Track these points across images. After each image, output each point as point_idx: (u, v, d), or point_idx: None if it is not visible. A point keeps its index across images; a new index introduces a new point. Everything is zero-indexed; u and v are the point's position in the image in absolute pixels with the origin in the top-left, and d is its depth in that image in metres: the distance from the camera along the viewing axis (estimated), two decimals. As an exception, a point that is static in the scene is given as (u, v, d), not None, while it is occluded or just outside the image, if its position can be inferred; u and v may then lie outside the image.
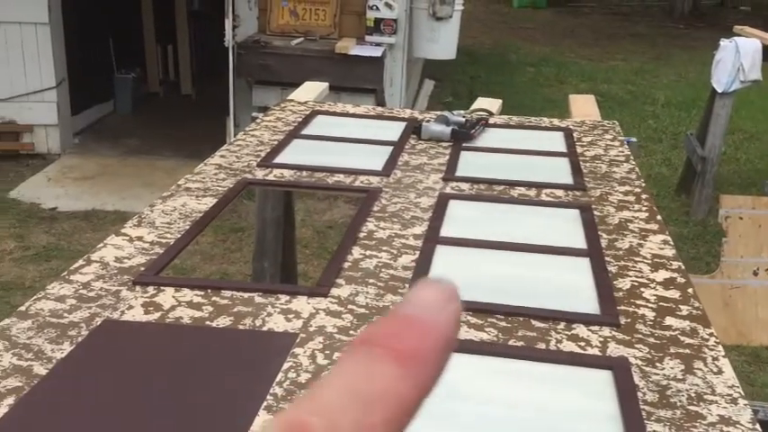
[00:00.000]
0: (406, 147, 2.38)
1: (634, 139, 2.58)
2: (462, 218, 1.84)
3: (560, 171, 2.17)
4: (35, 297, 1.40)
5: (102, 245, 1.63)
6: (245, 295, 1.43)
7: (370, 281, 1.50)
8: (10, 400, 1.09)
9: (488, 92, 8.11)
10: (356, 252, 1.62)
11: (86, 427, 1.06)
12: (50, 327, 1.30)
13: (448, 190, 2.01)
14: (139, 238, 1.67)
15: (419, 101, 7.25)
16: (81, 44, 5.70)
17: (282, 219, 2.91)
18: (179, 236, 1.69)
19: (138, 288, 1.44)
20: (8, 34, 5.15)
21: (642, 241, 1.69)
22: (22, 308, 1.36)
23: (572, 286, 1.51)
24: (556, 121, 2.70)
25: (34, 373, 1.16)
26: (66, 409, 1.09)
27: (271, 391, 1.13)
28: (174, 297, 1.42)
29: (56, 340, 1.26)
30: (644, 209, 1.89)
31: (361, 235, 1.71)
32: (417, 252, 1.63)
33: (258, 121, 2.65)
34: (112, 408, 1.09)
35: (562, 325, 1.34)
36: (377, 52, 4.98)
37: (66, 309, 1.36)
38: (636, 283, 1.49)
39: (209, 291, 1.44)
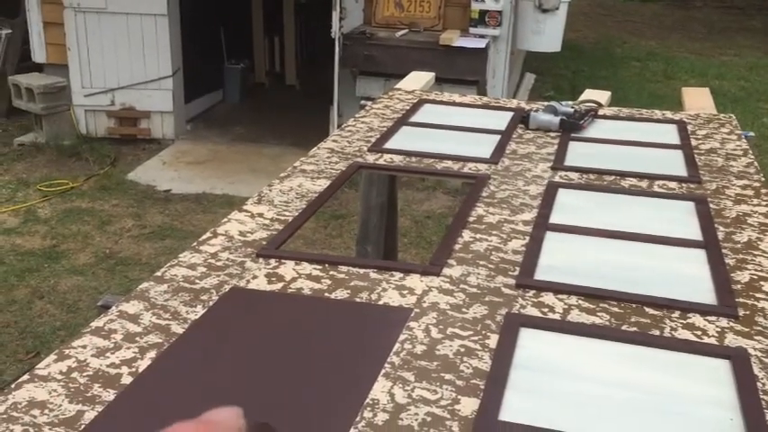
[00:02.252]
0: (514, 136, 2.39)
1: (752, 134, 2.49)
2: (572, 206, 1.84)
3: (674, 163, 2.13)
4: (169, 264, 1.52)
5: (226, 220, 1.74)
6: (361, 271, 1.49)
7: (481, 263, 1.53)
8: (152, 354, 1.19)
9: (592, 86, 7.91)
10: (466, 235, 1.66)
11: (220, 381, 1.14)
12: (184, 291, 1.40)
13: (557, 179, 2.01)
14: (260, 215, 1.76)
15: (519, 94, 7.18)
16: (195, 35, 5.97)
17: (386, 205, 2.98)
18: (296, 214, 1.77)
19: (261, 260, 1.53)
20: (130, 25, 5.46)
21: (762, 236, 1.65)
22: (158, 273, 1.48)
23: (687, 276, 1.49)
24: (669, 114, 2.64)
25: (172, 331, 1.26)
26: (202, 366, 1.19)
27: (388, 359, 1.19)
28: (294, 270, 1.50)
29: (190, 303, 1.36)
30: (763, 203, 1.83)
31: (471, 219, 1.75)
32: (527, 237, 1.64)
33: (367, 108, 2.72)
34: (241, 367, 1.18)
35: (677, 313, 1.33)
36: (481, 44, 4.98)
37: (198, 276, 1.46)
38: (755, 277, 1.46)
39: (327, 265, 1.52)
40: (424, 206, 4.82)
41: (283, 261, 1.53)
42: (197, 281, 1.44)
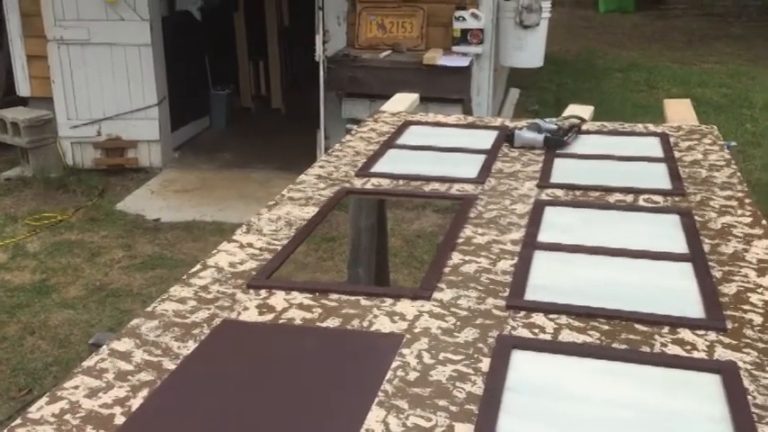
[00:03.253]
0: (499, 155, 2.40)
1: (734, 143, 2.52)
2: (559, 224, 1.85)
3: (658, 176, 2.15)
4: (159, 298, 1.51)
5: (215, 251, 1.74)
6: (352, 298, 1.50)
7: (471, 285, 1.54)
8: (144, 392, 1.19)
9: (576, 99, 7.97)
10: (456, 257, 1.67)
11: (214, 417, 1.14)
12: (175, 326, 1.40)
13: (543, 197, 2.02)
14: (249, 245, 1.76)
15: (505, 109, 7.23)
16: (179, 63, 5.98)
17: (376, 227, 2.99)
18: (286, 242, 1.78)
19: (251, 291, 1.54)
20: (114, 56, 5.47)
21: (747, 246, 1.66)
22: (149, 308, 1.48)
23: (675, 291, 1.51)
24: (651, 127, 2.67)
25: (164, 368, 1.26)
26: (195, 401, 1.18)
27: (381, 387, 1.19)
28: (285, 299, 1.50)
29: (181, 338, 1.35)
30: (747, 214, 1.85)
31: (460, 241, 1.76)
32: (516, 257, 1.65)
33: (353, 132, 2.73)
34: (236, 400, 1.17)
35: (666, 329, 1.34)
36: (464, 62, 5.02)
37: (188, 309, 1.46)
38: (742, 288, 1.47)
39: (318, 294, 1.52)
40: (414, 225, 4.83)
41: (274, 291, 1.53)
42: (187, 315, 1.44)
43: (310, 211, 1.96)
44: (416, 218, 4.90)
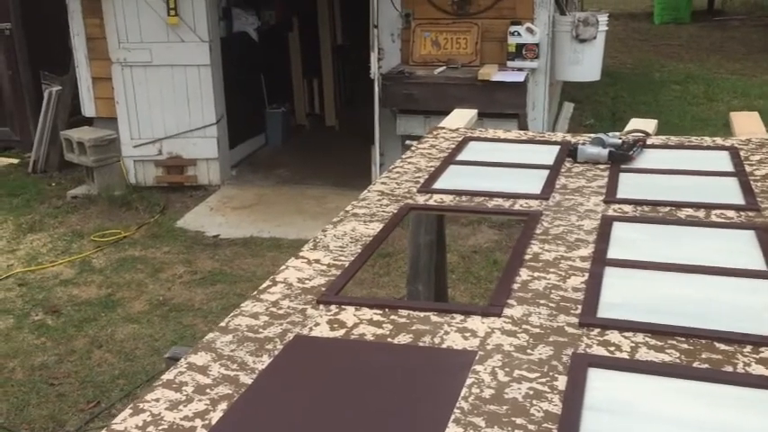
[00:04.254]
0: (562, 170, 2.38)
1: (808, 157, 2.44)
2: (628, 240, 1.82)
3: (729, 191, 2.10)
4: (232, 314, 1.54)
5: (284, 267, 1.76)
6: (422, 314, 1.50)
7: (542, 302, 1.52)
8: (223, 405, 1.21)
9: (632, 112, 7.86)
10: (524, 274, 1.65)
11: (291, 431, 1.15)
12: (249, 341, 1.42)
13: (610, 212, 1.99)
14: (317, 261, 1.78)
15: (559, 124, 7.16)
16: (236, 82, 6.11)
17: (435, 243, 2.98)
18: (352, 258, 1.79)
19: (321, 307, 1.55)
20: (175, 76, 5.63)
21: (829, 263, 1.61)
22: (222, 323, 1.50)
23: (755, 309, 1.46)
24: (719, 140, 2.61)
25: (241, 382, 1.28)
26: (272, 416, 1.20)
27: (457, 404, 1.18)
28: (355, 315, 1.51)
29: (255, 353, 1.37)
30: (828, 229, 1.79)
31: (527, 257, 1.74)
32: (586, 274, 1.63)
33: (413, 148, 2.74)
34: (311, 415, 1.18)
35: (749, 348, 1.30)
36: (519, 77, 5.00)
37: (261, 324, 1.48)
38: (827, 307, 1.42)
39: (387, 310, 1.52)
40: (470, 241, 4.81)
41: (343, 307, 1.54)
42: (260, 330, 1.46)
43: (375, 228, 1.97)
44: (472, 233, 4.88)
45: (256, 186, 5.86)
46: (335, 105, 7.50)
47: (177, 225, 5.18)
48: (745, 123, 2.87)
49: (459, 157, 2.59)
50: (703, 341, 1.33)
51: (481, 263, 4.51)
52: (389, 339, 1.40)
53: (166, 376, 1.30)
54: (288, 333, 1.44)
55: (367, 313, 1.51)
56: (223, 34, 6.04)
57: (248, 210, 5.42)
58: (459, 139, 2.80)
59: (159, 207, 5.46)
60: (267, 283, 1.69)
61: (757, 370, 1.24)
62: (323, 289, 1.63)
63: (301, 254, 1.83)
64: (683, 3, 14.64)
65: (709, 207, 1.97)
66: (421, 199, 2.18)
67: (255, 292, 1.64)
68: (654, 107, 8.16)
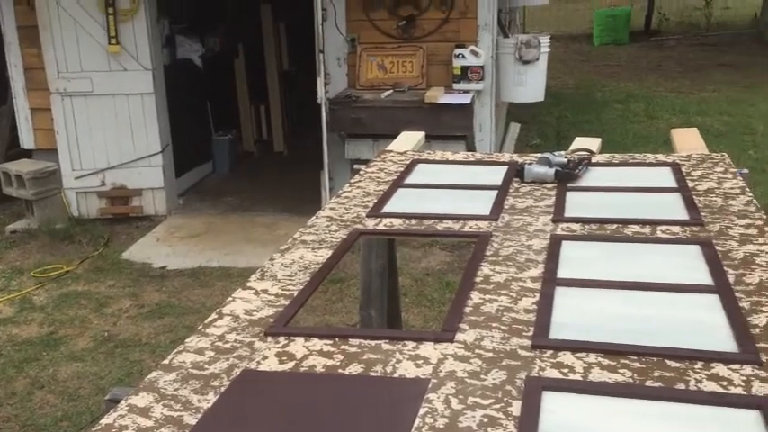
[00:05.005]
0: (510, 190, 2.39)
1: (746, 171, 2.50)
2: (578, 258, 1.82)
3: (673, 207, 2.13)
4: (176, 350, 1.48)
5: (231, 298, 1.71)
6: (373, 343, 1.46)
7: (494, 325, 1.50)
8: (166, 449, 1.15)
9: (576, 131, 8.01)
10: (476, 297, 1.63)
11: (239, 473, 1.10)
12: (194, 378, 1.36)
13: (559, 231, 2.00)
14: (264, 291, 1.73)
15: (506, 144, 7.25)
16: (182, 110, 6.02)
17: (387, 268, 2.96)
18: (301, 287, 1.74)
19: (269, 339, 1.50)
20: (117, 105, 5.51)
21: (772, 275, 1.63)
22: (166, 361, 1.44)
23: (704, 324, 1.47)
24: (661, 157, 2.65)
25: (185, 422, 1.22)
26: (218, 457, 1.14)
27: (411, 436, 1.15)
28: (304, 346, 1.46)
29: (200, 391, 1.32)
30: (769, 242, 1.82)
31: (478, 279, 1.72)
32: (537, 295, 1.62)
33: (361, 172, 2.72)
34: (260, 455, 1.13)
35: (700, 364, 1.30)
36: (465, 99, 5.04)
37: (206, 360, 1.43)
38: (773, 319, 1.44)
39: (338, 339, 1.48)
40: (423, 263, 4.80)
41: (292, 338, 1.50)
42: (206, 366, 1.40)
43: (324, 255, 1.93)
44: (424, 256, 4.86)
45: (204, 215, 5.76)
46: (284, 131, 7.46)
47: (122, 257, 5.04)
48: (685, 139, 2.93)
49: (408, 180, 2.58)
50: (655, 359, 1.32)
51: (434, 285, 4.50)
52: (340, 370, 1.36)
53: (105, 420, 1.24)
54: (235, 368, 1.39)
55: (317, 344, 1.47)
56: (167, 62, 5.95)
57: (196, 239, 5.31)
58: (408, 162, 2.79)
59: (103, 239, 5.31)
60: (213, 316, 1.63)
61: (709, 386, 1.24)
62: (271, 320, 1.58)
63: (248, 284, 1.78)
64: (621, 24, 15.10)
65: (654, 223, 1.99)
66: (370, 223, 2.16)
67: (201, 326, 1.58)
68: (597, 126, 8.34)
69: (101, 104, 5.50)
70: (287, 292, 1.72)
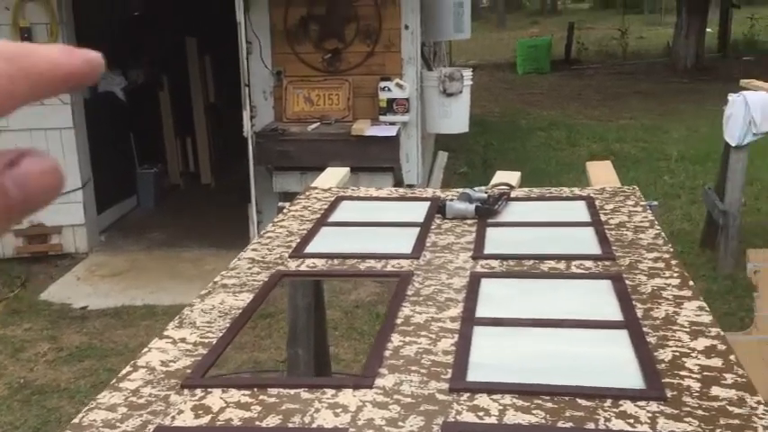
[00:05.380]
0: (432, 227, 2.42)
1: (656, 203, 2.61)
2: (496, 296, 1.86)
3: (587, 241, 2.20)
4: (87, 408, 1.43)
5: (147, 349, 1.67)
6: (292, 392, 1.45)
7: (413, 368, 1.51)
8: None
9: (502, 159, 8.22)
10: (396, 339, 1.64)
11: None
12: (105, 438, 1.32)
13: (478, 268, 2.03)
14: (182, 340, 1.70)
15: (434, 173, 7.36)
16: (103, 144, 5.88)
17: (313, 305, 2.94)
18: (220, 335, 1.72)
19: (186, 392, 1.47)
20: (34, 140, 5.34)
21: (678, 309, 1.70)
22: (76, 420, 1.39)
23: (614, 360, 1.52)
24: (577, 191, 2.74)
25: (94, 486, 1.18)
26: None
27: (327, 490, 1.14)
28: (221, 399, 1.44)
29: (111, 451, 1.28)
30: (675, 275, 1.90)
31: (399, 321, 1.74)
32: (456, 335, 1.64)
33: (285, 211, 2.71)
34: None
35: (609, 402, 1.34)
36: (391, 131, 5.10)
37: (119, 418, 1.38)
38: (677, 354, 1.50)
39: (256, 389, 1.47)
40: (353, 296, 4.80)
41: (210, 390, 1.47)
42: (118, 424, 1.36)
43: (245, 299, 1.91)
44: (354, 288, 4.87)
45: (128, 252, 5.61)
46: (211, 163, 7.37)
47: (40, 298, 4.85)
48: (599, 173, 3.04)
49: (332, 218, 2.58)
50: (566, 398, 1.36)
51: (364, 317, 4.50)
52: (258, 423, 1.34)
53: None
54: (148, 425, 1.35)
55: (234, 395, 1.45)
56: (87, 95, 5.82)
57: (119, 277, 5.17)
58: (332, 199, 2.80)
59: (20, 280, 5.10)
60: (128, 368, 1.58)
61: (617, 425, 1.27)
62: (188, 371, 1.55)
63: (166, 333, 1.74)
64: (543, 54, 15.63)
65: (569, 258, 2.05)
66: (293, 265, 2.15)
67: (114, 381, 1.53)
68: (522, 153, 8.57)
69: (17, 140, 5.32)
70: (206, 341, 1.69)
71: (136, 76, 6.72)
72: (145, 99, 6.85)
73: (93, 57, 0.29)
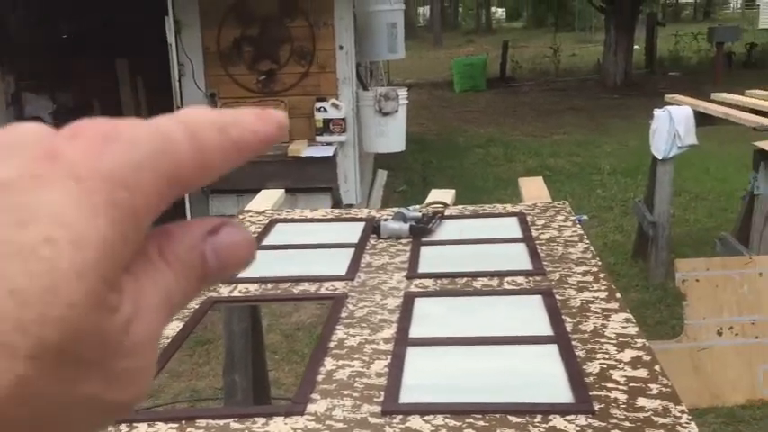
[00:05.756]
0: (367, 247, 2.41)
1: (585, 217, 2.67)
2: (429, 315, 1.86)
3: (519, 257, 2.23)
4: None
5: (70, 384, 1.61)
6: (221, 422, 1.41)
7: (345, 392, 1.50)
8: None
9: (441, 176, 8.31)
10: (329, 363, 1.63)
11: None
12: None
13: (412, 288, 2.04)
14: (108, 373, 1.64)
15: (374, 192, 7.38)
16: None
17: (250, 329, 2.90)
18: (148, 366, 1.67)
19: (109, 427, 1.42)
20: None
21: (605, 321, 1.73)
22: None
23: (544, 375, 1.54)
24: (509, 207, 2.78)
25: None
26: None
27: None
28: (148, 432, 1.39)
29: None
30: (603, 288, 1.94)
31: (332, 344, 1.72)
32: (389, 357, 1.64)
33: (218, 235, 2.66)
34: None
35: (539, 418, 1.35)
36: (328, 152, 5.10)
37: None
38: (604, 366, 1.53)
39: (184, 422, 1.43)
40: (293, 318, 4.74)
41: (135, 425, 1.42)
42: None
43: (175, 327, 1.86)
44: (294, 311, 4.81)
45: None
46: (146, 187, 7.23)
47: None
48: (531, 189, 3.10)
49: (266, 242, 2.55)
50: (498, 415, 1.36)
51: (305, 340, 4.45)
52: (185, 456, 1.31)
53: None
54: (70, 464, 1.30)
55: (161, 429, 1.40)
56: (12, 120, 5.64)
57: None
58: (266, 222, 2.77)
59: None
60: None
61: (547, 440, 1.29)
62: (113, 405, 1.50)
63: (91, 366, 1.69)
64: (479, 72, 15.91)
65: (501, 275, 2.07)
66: (225, 291, 2.11)
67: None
68: (459, 170, 8.68)
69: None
70: (132, 373, 1.64)
71: (65, 99, 6.56)
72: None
73: (283, 120, 0.28)
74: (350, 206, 5.16)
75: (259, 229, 2.68)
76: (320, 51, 5.30)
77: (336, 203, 5.10)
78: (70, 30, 7.12)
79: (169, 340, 1.79)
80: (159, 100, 6.76)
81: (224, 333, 2.92)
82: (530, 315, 1.83)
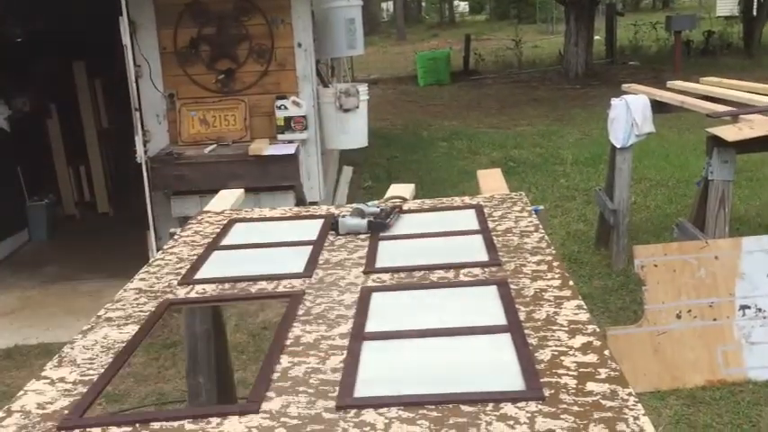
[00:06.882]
0: (326, 244, 2.42)
1: (541, 207, 2.71)
2: (386, 310, 1.87)
3: (476, 249, 2.24)
4: (-47, 461, 1.35)
5: (22, 392, 1.59)
6: (175, 424, 1.41)
7: (301, 389, 1.50)
8: None
9: (406, 170, 8.32)
10: (284, 360, 1.63)
11: None
12: (-29, 491, 1.24)
13: (370, 283, 2.04)
14: (61, 380, 1.63)
15: (339, 189, 7.37)
16: (-11, 177, 5.61)
17: (212, 330, 2.88)
18: (102, 371, 1.65)
19: (62, 435, 1.40)
20: None
21: (558, 309, 1.76)
22: (-60, 475, 1.30)
23: (497, 364, 1.55)
24: (467, 199, 2.80)
25: None
26: None
27: None
28: (101, 438, 1.38)
29: (-22, 505, 1.20)
30: (556, 276, 1.97)
31: (288, 342, 1.72)
32: (345, 352, 1.64)
33: (176, 237, 2.65)
34: None
35: (490, 406, 1.37)
36: (290, 149, 5.08)
37: (-13, 469, 1.31)
38: (556, 353, 1.55)
39: (138, 425, 1.42)
40: (259, 317, 4.73)
41: (88, 430, 1.41)
42: (-14, 476, 1.29)
43: (130, 331, 1.85)
44: (260, 310, 4.80)
45: (19, 288, 5.34)
46: (108, 190, 7.13)
47: (-76, 345, 4.55)
48: (489, 181, 3.12)
49: (224, 242, 2.54)
50: (450, 406, 1.38)
51: (271, 339, 4.43)
52: (138, 460, 1.30)
53: None
54: (20, 473, 1.29)
55: (115, 433, 1.39)
56: (-34, 127, 5.53)
57: (10, 316, 4.91)
58: (225, 222, 2.76)
59: None
60: (0, 414, 1.50)
61: (498, 427, 1.30)
62: (66, 412, 1.48)
63: (43, 374, 1.67)
64: (443, 66, 15.96)
65: (458, 267, 2.09)
66: (181, 292, 2.10)
67: (-16, 430, 1.45)
68: (425, 164, 8.70)
69: None
70: (86, 378, 1.62)
71: (21, 104, 6.44)
72: (32, 128, 6.56)
73: None
74: (314, 204, 5.15)
75: (217, 230, 2.67)
76: (279, 49, 5.27)
77: (300, 201, 5.09)
78: (24, 33, 6.98)
79: (125, 344, 1.78)
80: (120, 101, 6.67)
81: (185, 335, 2.90)
82: (484, 305, 1.84)
